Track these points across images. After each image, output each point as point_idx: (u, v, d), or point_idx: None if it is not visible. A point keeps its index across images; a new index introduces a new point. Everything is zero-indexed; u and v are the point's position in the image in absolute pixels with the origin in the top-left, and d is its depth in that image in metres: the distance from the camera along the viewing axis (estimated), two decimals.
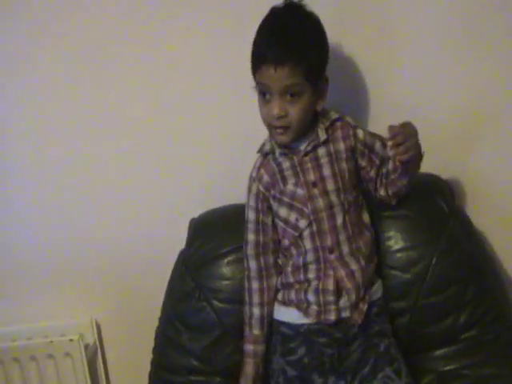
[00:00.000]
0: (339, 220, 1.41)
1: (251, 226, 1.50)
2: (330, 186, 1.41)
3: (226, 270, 1.60)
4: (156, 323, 1.66)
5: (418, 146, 1.35)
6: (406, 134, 1.31)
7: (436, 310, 1.51)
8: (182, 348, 1.60)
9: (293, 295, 1.45)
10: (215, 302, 1.59)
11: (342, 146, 1.43)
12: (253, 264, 1.50)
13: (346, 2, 1.62)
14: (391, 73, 1.65)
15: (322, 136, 1.42)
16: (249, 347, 1.49)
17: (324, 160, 1.42)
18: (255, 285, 1.49)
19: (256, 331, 1.49)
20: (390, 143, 1.31)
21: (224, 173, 1.76)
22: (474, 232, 1.61)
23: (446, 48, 1.63)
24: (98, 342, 1.87)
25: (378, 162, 1.45)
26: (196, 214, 1.69)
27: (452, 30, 1.61)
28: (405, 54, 1.64)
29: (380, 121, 1.55)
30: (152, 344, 1.65)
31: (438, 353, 1.53)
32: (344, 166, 1.43)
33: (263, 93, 1.38)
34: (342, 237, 1.41)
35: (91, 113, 1.73)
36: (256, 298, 1.49)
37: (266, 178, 1.46)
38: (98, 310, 1.88)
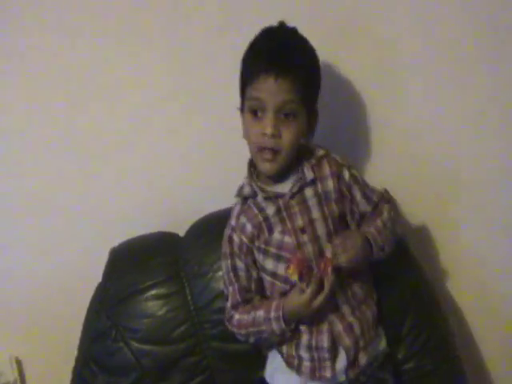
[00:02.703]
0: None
1: (234, 274, 1.34)
2: (320, 230, 1.28)
3: (144, 307, 1.48)
4: None
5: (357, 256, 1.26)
6: (345, 246, 1.24)
7: None
8: None
9: (284, 350, 1.33)
10: (133, 343, 1.46)
11: (330, 185, 1.29)
12: (236, 315, 1.34)
13: (342, 23, 1.53)
14: (394, 98, 1.57)
15: (309, 175, 1.28)
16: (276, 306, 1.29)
17: (312, 202, 1.28)
18: (243, 312, 1.33)
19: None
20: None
21: (153, 199, 1.64)
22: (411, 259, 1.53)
23: (455, 70, 1.55)
24: (18, 381, 1.72)
25: (357, 215, 1.34)
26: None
27: (459, 50, 1.53)
28: (409, 76, 1.56)
29: (383, 148, 1.52)
30: None
31: None
32: (334, 207, 1.29)
33: (254, 111, 1.24)
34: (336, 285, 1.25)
35: None
36: (252, 312, 1.31)
37: (248, 227, 1.31)
38: (20, 347, 1.73)
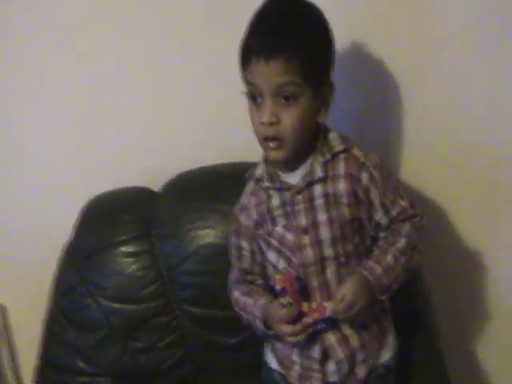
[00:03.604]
0: (331, 276, 1.16)
1: (238, 253, 1.26)
2: (325, 234, 1.15)
3: (114, 264, 1.43)
4: None
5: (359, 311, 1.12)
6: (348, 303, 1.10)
7: None
8: (67, 346, 1.46)
9: (278, 346, 1.24)
10: (101, 299, 1.43)
11: (341, 186, 1.15)
12: (236, 292, 1.26)
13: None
14: (423, 81, 1.40)
15: (318, 172, 1.15)
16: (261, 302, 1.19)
17: (319, 202, 1.15)
18: (241, 293, 1.24)
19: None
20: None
21: (132, 153, 1.56)
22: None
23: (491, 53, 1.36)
24: (3, 327, 1.73)
25: (375, 220, 1.18)
26: None
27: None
28: (442, 57, 1.39)
29: (404, 138, 1.38)
30: None
31: None
32: (345, 211, 1.15)
33: (253, 96, 1.12)
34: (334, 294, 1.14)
35: None
36: (246, 297, 1.22)
37: (254, 214, 1.22)
38: (6, 295, 1.72)
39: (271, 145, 1.13)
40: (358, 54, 1.37)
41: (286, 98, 1.09)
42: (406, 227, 1.17)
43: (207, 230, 1.40)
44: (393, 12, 1.36)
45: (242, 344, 1.42)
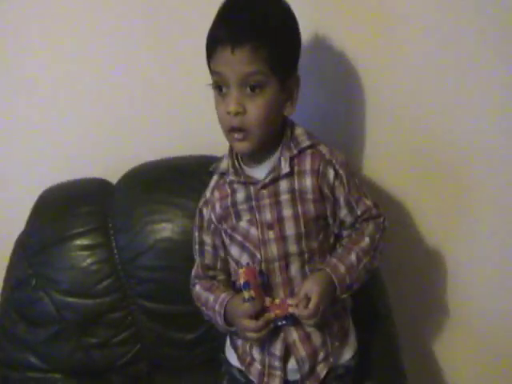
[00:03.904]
0: (295, 272, 1.14)
1: (201, 248, 1.24)
2: (290, 230, 1.13)
3: (68, 257, 1.39)
4: None
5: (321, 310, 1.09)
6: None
7: None
8: (19, 341, 1.42)
9: (239, 342, 1.22)
10: (54, 294, 1.39)
11: (308, 182, 1.13)
12: (197, 286, 1.24)
13: None
14: (390, 75, 1.37)
15: (285, 168, 1.12)
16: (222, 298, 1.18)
17: (285, 197, 1.13)
18: (202, 287, 1.23)
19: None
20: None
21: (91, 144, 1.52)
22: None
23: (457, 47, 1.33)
24: None
25: (339, 218, 1.17)
26: None
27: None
28: (408, 51, 1.35)
29: (372, 134, 1.35)
30: None
31: None
32: (310, 207, 1.13)
33: (219, 86, 1.09)
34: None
35: None
36: (207, 293, 1.21)
37: (218, 208, 1.19)
38: None
39: (236, 136, 1.10)
40: (322, 51, 1.35)
41: (253, 88, 1.07)
42: (370, 227, 1.17)
43: (164, 224, 1.37)
44: (359, 10, 1.33)
45: (199, 340, 1.40)
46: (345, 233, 1.19)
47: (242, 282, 1.09)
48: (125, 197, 1.41)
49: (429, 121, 1.39)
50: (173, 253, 1.36)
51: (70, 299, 1.38)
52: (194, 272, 1.26)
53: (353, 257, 1.13)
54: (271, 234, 1.14)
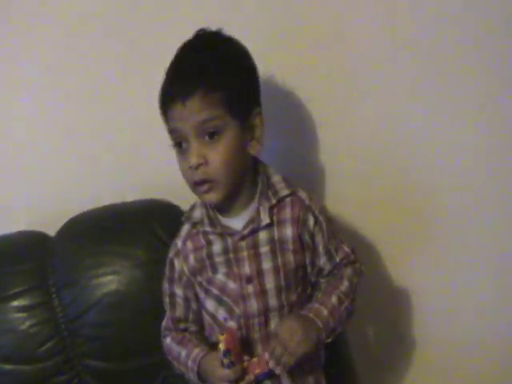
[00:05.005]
0: (274, 327, 1.09)
1: (171, 300, 1.16)
2: (270, 283, 1.08)
3: (4, 321, 1.29)
4: None
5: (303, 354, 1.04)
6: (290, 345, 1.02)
7: None
8: None
9: None
10: None
11: (289, 232, 1.09)
12: (168, 339, 1.17)
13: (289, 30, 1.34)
14: (348, 114, 1.37)
15: (265, 219, 1.08)
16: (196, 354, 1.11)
17: (264, 249, 1.08)
18: (173, 341, 1.16)
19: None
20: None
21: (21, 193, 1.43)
22: None
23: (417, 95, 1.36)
24: None
25: (316, 268, 1.13)
26: None
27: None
28: (363, 88, 1.36)
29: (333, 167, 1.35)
30: None
31: None
32: (290, 258, 1.09)
33: (179, 143, 1.05)
34: None
35: None
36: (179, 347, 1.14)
37: (192, 260, 1.12)
38: None
39: (202, 189, 1.05)
40: (280, 89, 1.34)
41: (211, 135, 1.03)
42: (348, 271, 1.14)
43: (111, 277, 1.29)
44: (315, 51, 1.35)
45: None
46: (322, 281, 1.15)
47: (222, 349, 1.02)
48: (66, 250, 1.32)
49: (388, 158, 1.40)
50: (121, 306, 1.28)
51: (10, 366, 1.28)
52: (164, 324, 1.19)
53: (334, 300, 1.09)
54: (250, 288, 1.08)
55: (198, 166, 1.03)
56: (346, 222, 1.41)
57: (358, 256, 1.16)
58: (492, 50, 1.33)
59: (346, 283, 1.12)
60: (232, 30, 1.09)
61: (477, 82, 1.35)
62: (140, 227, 1.29)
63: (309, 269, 1.13)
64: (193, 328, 1.17)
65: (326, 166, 1.40)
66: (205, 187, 1.05)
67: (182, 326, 1.17)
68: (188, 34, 1.09)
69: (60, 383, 1.30)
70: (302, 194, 1.12)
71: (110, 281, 1.28)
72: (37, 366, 1.28)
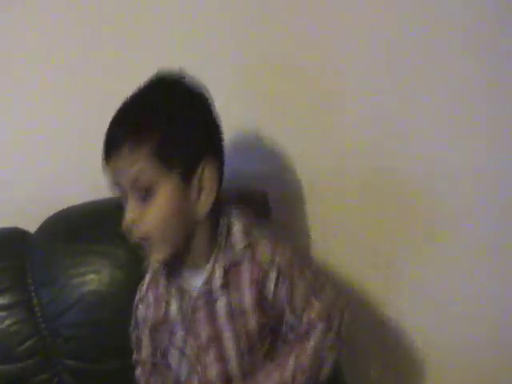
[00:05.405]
0: None
1: (137, 344, 1.11)
2: (229, 350, 0.99)
3: None
4: None
5: None
6: None
7: None
8: None
9: None
10: None
11: (247, 297, 0.98)
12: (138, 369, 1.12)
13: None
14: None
15: (218, 279, 0.99)
16: None
17: (221, 312, 1.00)
18: (142, 375, 1.11)
19: None
20: None
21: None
22: None
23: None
24: None
25: (287, 325, 1.01)
26: None
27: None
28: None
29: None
30: None
31: None
32: (251, 322, 0.99)
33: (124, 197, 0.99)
34: None
35: None
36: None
37: (152, 312, 1.06)
38: None
39: (145, 247, 0.98)
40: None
41: (145, 191, 0.95)
42: (317, 334, 1.00)
43: (92, 276, 1.26)
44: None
45: None
46: (291, 336, 1.02)
47: None
48: (45, 248, 1.29)
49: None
50: (101, 306, 1.25)
51: None
52: (134, 357, 1.13)
53: (290, 366, 0.98)
54: (210, 354, 1.00)
55: (132, 223, 0.96)
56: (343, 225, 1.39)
57: (338, 309, 1.01)
58: (485, 45, 1.29)
59: (308, 351, 0.99)
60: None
61: (473, 82, 1.31)
62: (118, 225, 1.26)
63: (278, 326, 1.02)
64: (162, 361, 1.10)
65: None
66: (146, 245, 0.98)
67: (148, 366, 1.11)
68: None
69: (40, 382, 1.27)
70: (264, 247, 1.00)
71: (90, 280, 1.26)
72: (16, 365, 1.26)
